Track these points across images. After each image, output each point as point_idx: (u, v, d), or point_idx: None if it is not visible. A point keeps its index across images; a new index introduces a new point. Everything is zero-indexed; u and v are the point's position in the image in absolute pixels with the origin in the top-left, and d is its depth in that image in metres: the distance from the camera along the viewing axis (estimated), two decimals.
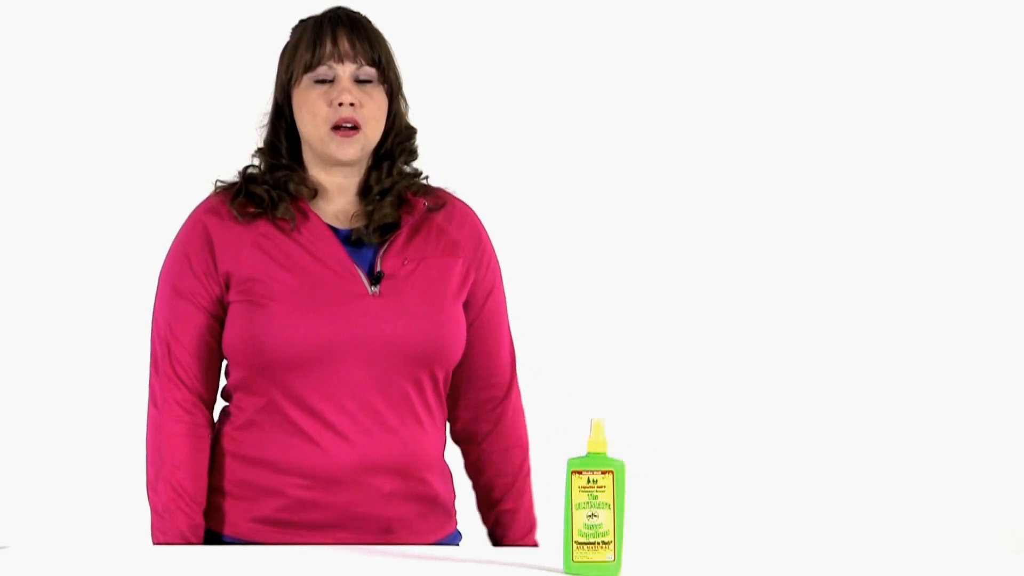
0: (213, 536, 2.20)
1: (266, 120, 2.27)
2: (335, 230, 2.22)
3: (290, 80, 2.22)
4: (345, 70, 2.19)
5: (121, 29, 3.83)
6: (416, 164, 2.30)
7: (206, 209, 2.23)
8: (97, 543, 2.59)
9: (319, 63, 2.19)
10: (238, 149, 2.31)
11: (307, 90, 2.20)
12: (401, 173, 2.26)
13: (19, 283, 3.83)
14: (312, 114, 2.19)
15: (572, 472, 1.92)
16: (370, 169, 2.26)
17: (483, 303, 2.29)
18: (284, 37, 2.28)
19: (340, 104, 2.18)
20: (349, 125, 2.19)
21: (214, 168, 2.30)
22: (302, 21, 2.26)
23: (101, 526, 3.75)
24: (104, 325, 3.83)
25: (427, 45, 2.40)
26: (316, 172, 2.24)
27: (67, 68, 3.82)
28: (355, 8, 2.28)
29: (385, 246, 2.21)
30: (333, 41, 2.19)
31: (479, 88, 3.91)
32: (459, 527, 2.32)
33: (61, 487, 3.81)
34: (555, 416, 2.58)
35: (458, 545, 2.30)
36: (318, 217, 2.22)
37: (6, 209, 3.82)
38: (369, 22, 2.24)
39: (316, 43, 2.19)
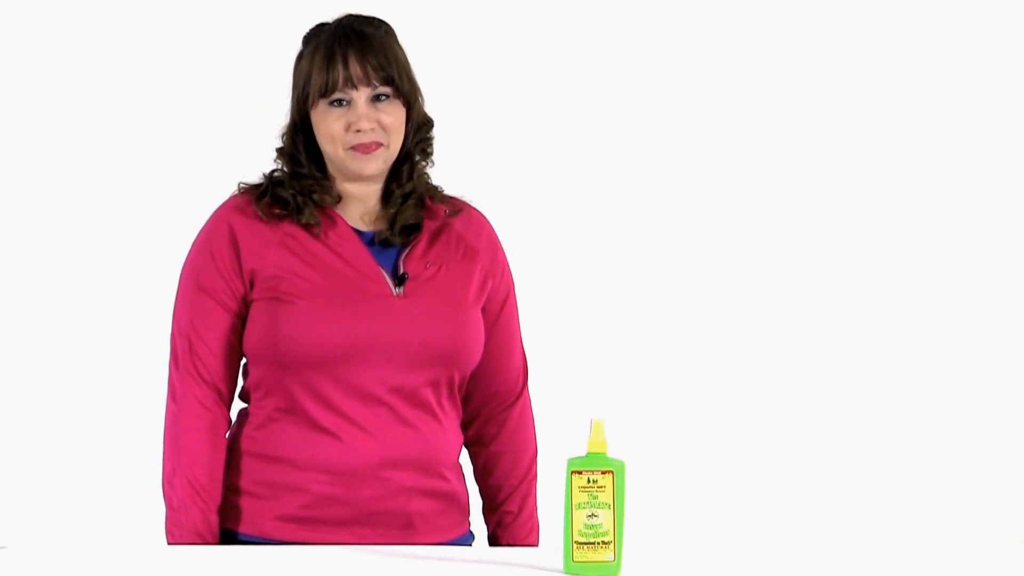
0: (228, 534, 2.22)
1: (285, 129, 2.28)
2: (359, 233, 2.24)
3: (306, 100, 2.22)
4: (360, 94, 2.19)
5: (141, 31, 3.84)
6: (429, 170, 2.32)
7: (231, 207, 2.24)
8: (98, 543, 2.59)
9: (333, 89, 2.19)
10: (258, 150, 2.32)
11: (324, 113, 2.21)
12: (420, 175, 2.28)
13: (21, 280, 3.83)
14: (330, 137, 2.21)
15: (572, 472, 1.92)
16: (390, 176, 2.27)
17: (498, 311, 2.32)
18: (300, 37, 2.28)
19: (359, 131, 2.19)
20: (369, 145, 2.20)
21: (235, 167, 2.31)
22: (314, 34, 2.25)
23: (101, 526, 3.76)
24: (106, 324, 3.83)
25: (433, 49, 2.41)
26: (339, 181, 2.26)
27: (85, 69, 3.83)
28: (368, 9, 2.28)
29: (407, 249, 2.24)
30: (344, 64, 2.18)
31: (474, 95, 3.91)
32: (471, 529, 2.34)
33: (61, 487, 3.82)
34: (555, 416, 2.58)
35: (470, 546, 2.32)
36: (343, 220, 2.24)
37: (19, 207, 3.83)
38: (377, 33, 2.22)
39: (328, 67, 2.19)
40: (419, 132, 2.28)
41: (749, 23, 4.02)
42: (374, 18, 2.26)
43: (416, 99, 2.26)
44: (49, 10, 3.81)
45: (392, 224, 2.24)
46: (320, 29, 2.25)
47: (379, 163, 2.22)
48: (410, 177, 2.27)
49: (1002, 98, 4.06)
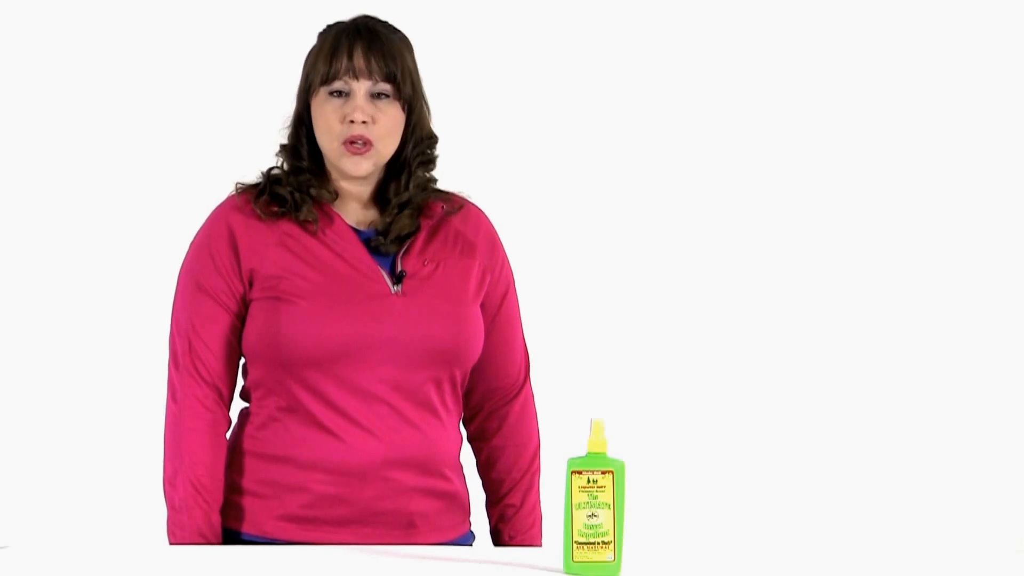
0: (232, 534, 2.22)
1: (290, 122, 2.29)
2: (357, 231, 2.24)
3: (309, 89, 2.24)
4: (360, 86, 2.20)
5: (142, 31, 3.84)
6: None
7: (229, 207, 2.25)
8: (98, 543, 2.59)
9: (335, 78, 2.20)
10: (256, 150, 2.33)
11: (323, 103, 2.22)
12: (418, 185, 2.27)
13: (22, 280, 3.83)
14: (327, 128, 2.21)
15: (572, 472, 1.92)
16: (386, 178, 2.27)
17: (498, 306, 2.32)
18: (306, 39, 2.29)
19: (352, 121, 2.19)
20: (360, 143, 2.20)
21: (232, 168, 2.31)
22: (328, 27, 2.26)
23: (101, 526, 3.76)
24: (106, 324, 3.83)
25: (434, 48, 2.41)
26: (335, 178, 2.27)
27: (85, 69, 3.83)
28: (384, 13, 2.28)
29: (404, 247, 2.24)
30: (349, 56, 2.20)
31: (474, 94, 3.91)
32: (472, 529, 2.34)
33: (61, 487, 3.81)
34: (555, 416, 2.58)
35: (471, 546, 2.32)
36: (341, 219, 2.24)
37: (19, 207, 3.83)
38: (389, 34, 2.24)
39: (333, 57, 2.20)
40: (420, 145, 2.27)
41: (749, 23, 4.02)
42: (390, 24, 2.26)
43: (418, 107, 2.26)
44: (49, 10, 3.81)
45: (386, 233, 2.24)
46: (335, 25, 2.26)
47: (368, 165, 2.22)
48: (406, 187, 2.27)
49: (1002, 98, 4.06)
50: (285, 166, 2.27)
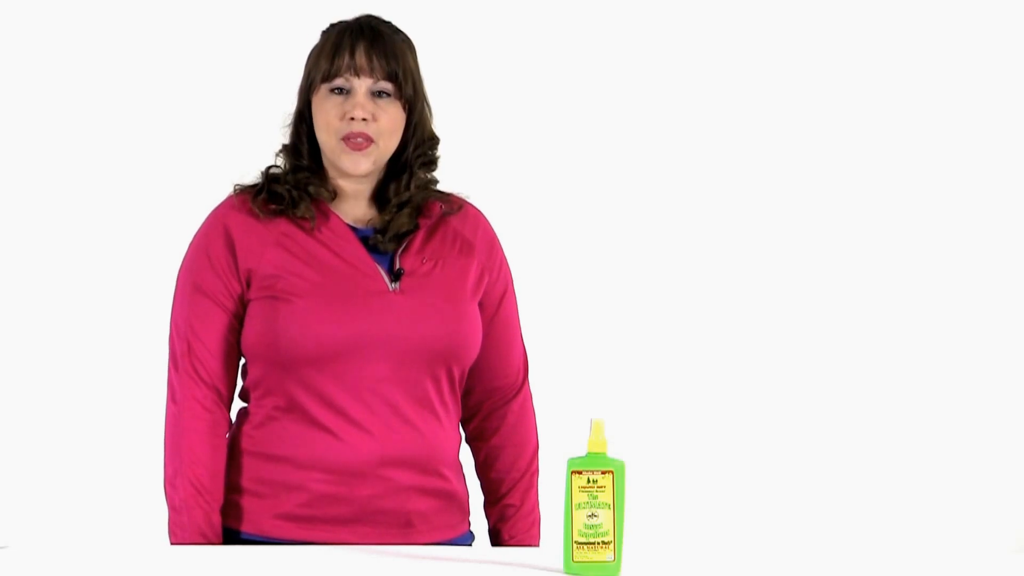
0: (232, 534, 2.22)
1: (291, 120, 2.29)
2: (354, 229, 2.25)
3: (310, 86, 2.24)
4: (361, 84, 2.21)
5: (142, 31, 3.84)
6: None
7: (227, 207, 2.25)
8: (99, 543, 2.60)
9: (336, 75, 2.21)
10: (256, 151, 2.33)
11: (324, 99, 2.22)
12: (419, 185, 2.27)
13: (22, 280, 3.83)
14: (326, 124, 2.22)
15: (572, 472, 1.92)
16: (386, 178, 2.28)
17: (496, 306, 2.32)
18: (308, 39, 2.29)
19: (352, 119, 2.19)
20: (360, 139, 2.20)
21: (232, 169, 2.31)
22: (332, 26, 2.27)
23: (102, 526, 3.76)
24: (106, 324, 3.83)
25: (434, 47, 2.42)
26: (333, 176, 2.27)
27: (85, 69, 3.83)
28: (387, 14, 2.28)
29: (403, 246, 2.24)
30: (351, 54, 2.20)
31: (475, 94, 3.91)
32: (471, 529, 2.34)
33: (61, 487, 3.81)
34: (555, 416, 2.58)
35: (470, 546, 2.32)
36: (338, 217, 2.24)
37: (19, 207, 3.83)
38: (392, 34, 2.24)
39: (335, 54, 2.21)
40: (422, 146, 2.28)
41: (749, 23, 4.02)
42: (394, 24, 2.27)
43: (419, 108, 2.26)
44: (49, 10, 3.81)
45: (385, 231, 2.24)
46: (338, 23, 2.26)
47: (368, 162, 2.23)
48: (407, 187, 2.27)
49: (1002, 98, 4.06)
50: (287, 165, 2.28)
